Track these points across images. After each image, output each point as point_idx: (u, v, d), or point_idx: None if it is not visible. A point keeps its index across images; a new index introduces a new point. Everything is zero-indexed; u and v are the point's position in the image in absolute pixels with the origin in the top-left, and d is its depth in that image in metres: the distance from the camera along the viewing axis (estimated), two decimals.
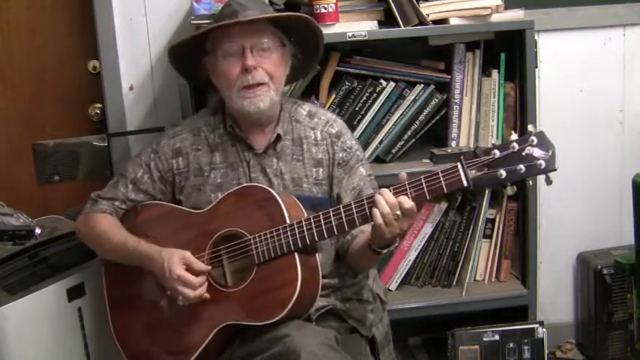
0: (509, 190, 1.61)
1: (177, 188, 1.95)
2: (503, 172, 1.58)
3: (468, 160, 1.61)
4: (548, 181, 1.59)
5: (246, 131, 1.92)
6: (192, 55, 1.91)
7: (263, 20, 1.83)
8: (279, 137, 1.91)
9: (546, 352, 2.44)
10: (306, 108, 1.99)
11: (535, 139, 1.56)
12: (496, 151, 1.58)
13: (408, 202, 1.64)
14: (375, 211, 1.66)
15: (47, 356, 2.06)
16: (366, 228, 1.79)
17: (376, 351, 1.96)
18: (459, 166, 1.62)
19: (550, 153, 1.56)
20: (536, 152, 1.56)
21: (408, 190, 1.66)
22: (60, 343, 2.08)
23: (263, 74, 1.83)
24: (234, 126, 1.92)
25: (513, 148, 1.57)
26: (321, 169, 1.92)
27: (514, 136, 1.60)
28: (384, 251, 1.76)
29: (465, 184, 1.61)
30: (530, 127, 1.62)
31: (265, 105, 1.84)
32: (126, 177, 1.97)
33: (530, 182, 1.61)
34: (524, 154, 1.57)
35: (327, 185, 1.93)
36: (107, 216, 1.95)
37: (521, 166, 1.57)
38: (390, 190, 1.67)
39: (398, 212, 1.64)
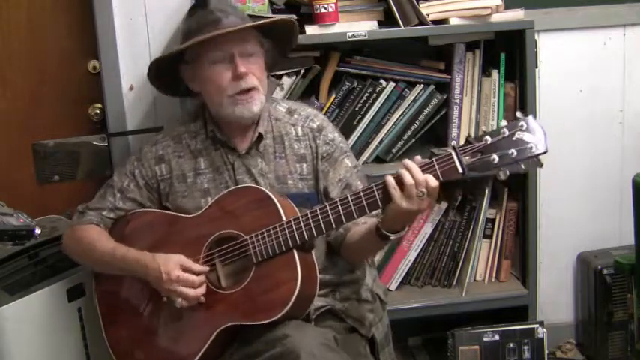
0: (502, 175, 1.63)
1: (163, 195, 1.96)
2: (495, 157, 1.61)
3: (462, 147, 1.64)
4: (540, 164, 1.63)
5: (228, 134, 1.93)
6: (170, 67, 1.92)
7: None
8: (260, 137, 1.91)
9: (546, 352, 2.44)
10: (285, 105, 2.00)
11: (524, 124, 1.61)
12: (488, 138, 1.62)
13: (434, 181, 1.63)
14: (390, 180, 1.65)
15: (47, 356, 2.06)
16: (361, 219, 1.80)
17: (376, 351, 1.96)
18: (453, 153, 1.63)
19: (540, 136, 1.60)
20: (527, 136, 1.60)
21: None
22: (60, 343, 2.08)
23: (254, 78, 1.84)
24: (216, 130, 1.92)
25: (504, 133, 1.61)
26: (304, 165, 1.93)
27: (504, 123, 1.64)
28: (393, 237, 1.74)
29: (460, 170, 1.63)
30: (518, 114, 1.65)
31: (258, 108, 1.86)
32: (113, 187, 1.97)
33: (523, 166, 1.63)
34: (514, 139, 1.61)
35: (313, 180, 1.93)
36: (94, 227, 1.95)
37: (513, 151, 1.60)
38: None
39: (423, 190, 1.63)
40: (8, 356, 1.97)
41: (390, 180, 1.66)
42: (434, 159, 1.66)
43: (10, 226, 1.90)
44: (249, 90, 1.84)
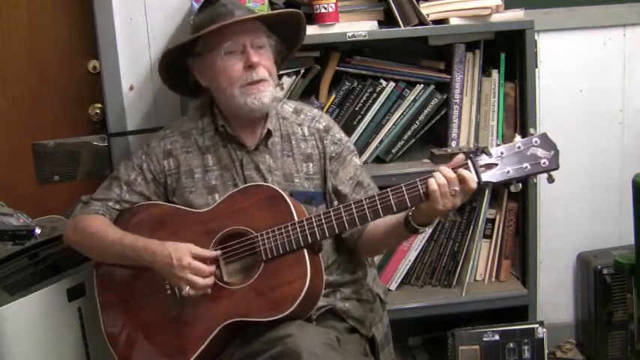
0: (513, 188, 1.70)
1: (170, 190, 1.96)
2: (509, 169, 1.66)
3: (477, 158, 1.68)
4: (551, 179, 1.68)
5: (238, 130, 1.93)
6: (179, 60, 1.92)
7: (254, 19, 1.86)
8: (269, 133, 1.92)
9: (546, 352, 2.44)
10: (291, 105, 2.01)
11: (538, 140, 1.67)
12: (502, 150, 1.67)
13: (473, 182, 1.66)
14: (432, 180, 1.67)
15: (47, 356, 2.06)
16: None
17: (376, 351, 1.96)
18: (470, 163, 1.67)
19: (553, 152, 1.66)
20: (540, 152, 1.66)
21: (419, 186, 1.69)
22: (60, 343, 2.08)
23: (264, 70, 1.85)
24: (226, 125, 1.93)
25: (519, 148, 1.66)
26: (311, 164, 1.94)
27: (518, 137, 1.68)
28: (421, 230, 1.77)
29: (476, 180, 1.66)
30: (532, 130, 1.71)
31: (268, 100, 1.86)
32: (119, 179, 1.96)
33: (535, 180, 1.70)
34: (528, 153, 1.66)
35: (320, 180, 1.94)
36: (100, 217, 1.93)
37: (527, 165, 1.66)
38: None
39: (456, 188, 1.66)
40: (8, 356, 1.97)
41: (432, 182, 1.68)
42: (450, 167, 1.68)
43: (10, 226, 1.90)
44: (259, 81, 1.85)
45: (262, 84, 1.85)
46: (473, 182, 1.66)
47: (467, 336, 2.41)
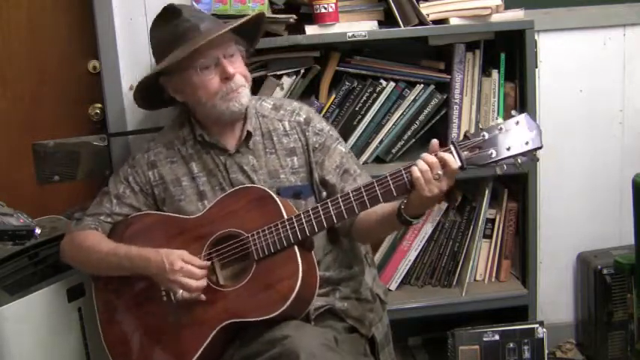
0: (499, 170, 1.70)
1: (159, 200, 1.98)
2: (493, 152, 1.67)
3: (460, 142, 1.68)
4: (535, 159, 1.70)
5: (217, 135, 1.95)
6: (150, 82, 1.94)
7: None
8: (249, 134, 1.93)
9: (546, 352, 2.44)
10: (270, 102, 2.02)
11: (520, 121, 1.67)
12: (485, 133, 1.68)
13: (454, 163, 1.66)
14: (415, 168, 1.68)
15: (47, 356, 2.06)
16: None
17: (376, 351, 1.97)
18: (452, 147, 1.68)
19: (535, 132, 1.66)
20: (522, 132, 1.66)
21: (404, 174, 1.70)
22: (60, 343, 2.08)
23: (240, 77, 1.88)
24: (204, 134, 1.94)
25: (500, 129, 1.67)
26: (295, 158, 1.95)
27: (500, 120, 1.70)
28: (414, 221, 1.77)
29: (459, 163, 1.67)
30: (513, 112, 1.72)
31: (246, 100, 1.89)
32: (109, 193, 1.99)
33: (520, 160, 1.68)
34: (510, 134, 1.67)
35: (306, 172, 1.95)
36: (93, 231, 1.96)
37: (510, 145, 1.66)
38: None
39: (439, 172, 1.66)
40: (8, 356, 1.97)
41: (415, 170, 1.68)
42: (433, 153, 1.69)
43: (10, 226, 1.91)
44: (237, 88, 1.87)
45: (240, 88, 1.87)
46: (454, 163, 1.66)
47: (467, 336, 2.41)
